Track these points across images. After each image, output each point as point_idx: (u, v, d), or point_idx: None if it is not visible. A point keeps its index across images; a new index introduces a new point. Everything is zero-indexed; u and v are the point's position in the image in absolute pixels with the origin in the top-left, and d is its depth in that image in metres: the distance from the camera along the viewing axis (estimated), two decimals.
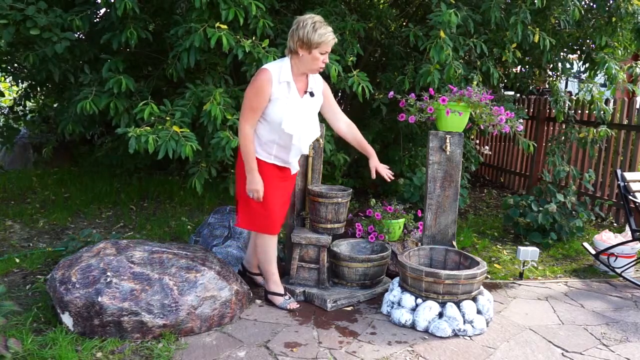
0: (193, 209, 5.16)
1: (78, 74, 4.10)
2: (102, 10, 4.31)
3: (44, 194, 5.39)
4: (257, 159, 2.91)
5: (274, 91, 2.80)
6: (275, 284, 3.20)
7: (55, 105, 5.94)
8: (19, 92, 6.04)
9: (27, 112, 6.04)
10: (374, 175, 3.20)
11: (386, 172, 3.22)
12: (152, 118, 3.57)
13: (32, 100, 6.19)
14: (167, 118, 3.56)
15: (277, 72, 2.81)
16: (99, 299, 2.62)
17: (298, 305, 3.16)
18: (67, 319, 2.68)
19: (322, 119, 3.14)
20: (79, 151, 6.99)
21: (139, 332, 2.66)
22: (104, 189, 5.53)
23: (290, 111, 2.83)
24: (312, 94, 2.94)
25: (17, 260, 3.64)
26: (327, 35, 2.75)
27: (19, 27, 3.56)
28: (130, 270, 2.79)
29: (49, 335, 2.63)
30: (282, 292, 3.19)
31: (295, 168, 3.08)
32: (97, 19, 4.45)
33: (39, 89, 5.79)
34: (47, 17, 3.59)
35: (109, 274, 2.74)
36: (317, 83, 3.00)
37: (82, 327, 2.66)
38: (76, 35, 3.87)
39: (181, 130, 3.44)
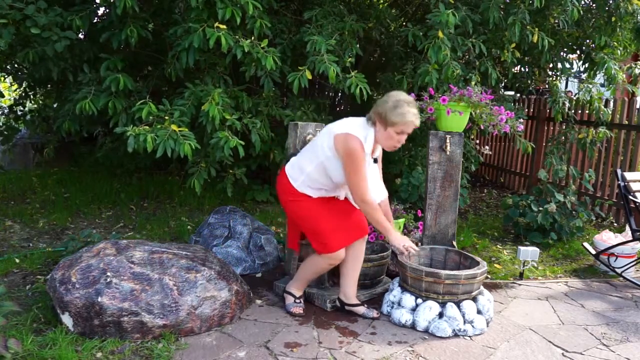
0: (193, 209, 5.16)
1: (77, 72, 4.10)
2: (102, 10, 4.32)
3: (44, 194, 5.39)
4: (300, 193, 2.92)
5: None
6: (297, 289, 3.18)
7: (54, 105, 5.95)
8: (17, 91, 6.04)
9: (27, 112, 6.04)
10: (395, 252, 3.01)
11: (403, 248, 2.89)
12: (151, 117, 3.56)
13: (32, 101, 6.20)
14: (166, 117, 3.56)
15: (363, 140, 2.75)
16: (99, 299, 2.62)
17: (302, 312, 3.11)
18: (67, 319, 2.68)
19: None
20: (79, 151, 6.99)
21: (139, 332, 2.66)
22: (104, 189, 5.52)
23: None
24: (375, 160, 2.93)
25: (17, 261, 3.64)
26: (405, 116, 2.65)
27: (19, 27, 3.56)
28: (130, 271, 2.79)
29: (49, 335, 2.63)
30: (297, 296, 3.18)
31: (341, 197, 3.05)
32: (97, 19, 4.45)
33: (37, 88, 5.79)
34: (47, 17, 3.59)
35: (109, 274, 2.74)
36: (380, 148, 3.00)
37: (82, 328, 2.66)
38: (76, 35, 3.87)
39: (179, 129, 3.44)
